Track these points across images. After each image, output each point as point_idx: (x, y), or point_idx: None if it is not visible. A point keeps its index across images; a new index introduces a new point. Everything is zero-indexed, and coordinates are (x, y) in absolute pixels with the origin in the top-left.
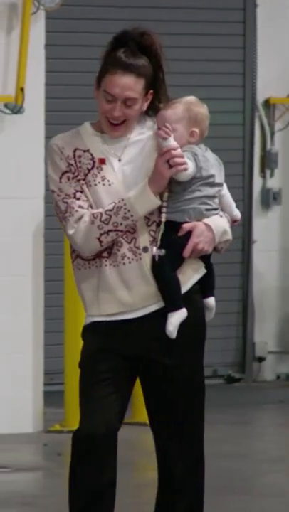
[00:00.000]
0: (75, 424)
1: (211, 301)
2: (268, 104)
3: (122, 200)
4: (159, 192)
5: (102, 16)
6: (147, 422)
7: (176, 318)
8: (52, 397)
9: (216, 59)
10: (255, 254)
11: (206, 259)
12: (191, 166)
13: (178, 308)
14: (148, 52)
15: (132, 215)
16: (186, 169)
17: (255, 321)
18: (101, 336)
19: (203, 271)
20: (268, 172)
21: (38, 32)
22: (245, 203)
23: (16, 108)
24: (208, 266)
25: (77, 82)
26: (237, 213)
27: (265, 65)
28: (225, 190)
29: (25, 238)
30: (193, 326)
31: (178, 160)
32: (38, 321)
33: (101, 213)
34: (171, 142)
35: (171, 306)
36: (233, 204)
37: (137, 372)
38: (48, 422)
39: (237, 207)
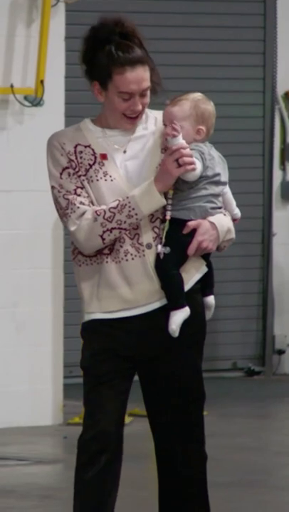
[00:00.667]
0: None
1: (211, 299)
2: (288, 96)
3: (127, 198)
4: (165, 191)
5: (121, 9)
6: None
7: (179, 317)
8: (71, 390)
9: (235, 51)
10: (274, 247)
11: (205, 257)
12: (199, 166)
13: (181, 306)
14: (128, 38)
15: (136, 214)
16: (194, 169)
17: (275, 313)
18: (101, 336)
19: (204, 269)
20: (287, 165)
21: (58, 24)
22: (265, 195)
23: (35, 100)
24: (208, 264)
25: None
26: (237, 212)
27: (286, 57)
28: (227, 189)
29: (45, 231)
30: (194, 326)
31: (187, 159)
32: (57, 314)
33: (104, 211)
34: (181, 141)
35: (174, 304)
36: (234, 203)
37: (135, 370)
38: (68, 414)
39: (257, 200)
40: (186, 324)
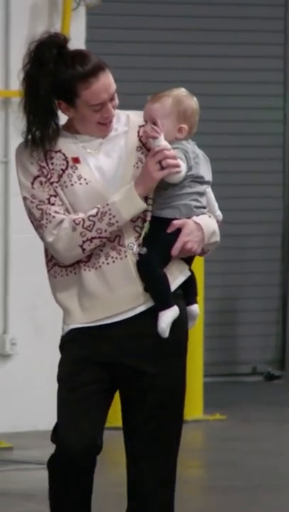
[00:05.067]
0: (115, 421)
1: (195, 308)
2: None
3: (107, 205)
4: (146, 195)
5: (142, 12)
6: (186, 418)
7: (168, 316)
8: None
9: (255, 68)
10: None
11: (188, 262)
12: (183, 168)
13: (169, 305)
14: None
15: (117, 221)
16: (178, 172)
17: None
18: (81, 346)
19: (188, 273)
20: None
21: (78, 28)
22: (285, 200)
23: None
24: (190, 271)
25: (118, 78)
26: (219, 214)
27: None
28: (209, 189)
29: None
30: (178, 334)
31: (171, 161)
32: None
33: (83, 219)
34: (163, 142)
35: (162, 304)
36: (216, 204)
37: (117, 384)
38: None
39: (277, 204)
40: (169, 331)
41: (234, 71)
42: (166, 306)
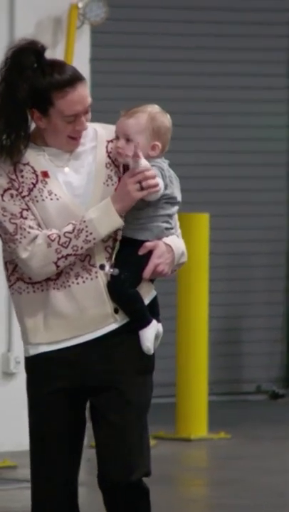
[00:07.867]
0: None
1: (159, 328)
2: None
3: (84, 221)
4: (123, 212)
5: (147, 30)
6: (191, 437)
7: (150, 333)
8: None
9: (260, 87)
10: None
11: (152, 280)
12: (161, 186)
13: (148, 322)
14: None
15: (94, 238)
16: (157, 191)
17: None
18: (49, 375)
19: (154, 293)
20: None
21: (83, 46)
22: None
23: None
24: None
25: (122, 96)
26: (179, 233)
27: None
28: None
29: None
30: (143, 355)
31: (151, 182)
32: None
33: (59, 236)
34: (144, 163)
35: (141, 323)
36: (178, 225)
37: (85, 403)
38: (91, 437)
39: (280, 222)
40: (134, 353)
41: (237, 89)
42: (146, 323)
